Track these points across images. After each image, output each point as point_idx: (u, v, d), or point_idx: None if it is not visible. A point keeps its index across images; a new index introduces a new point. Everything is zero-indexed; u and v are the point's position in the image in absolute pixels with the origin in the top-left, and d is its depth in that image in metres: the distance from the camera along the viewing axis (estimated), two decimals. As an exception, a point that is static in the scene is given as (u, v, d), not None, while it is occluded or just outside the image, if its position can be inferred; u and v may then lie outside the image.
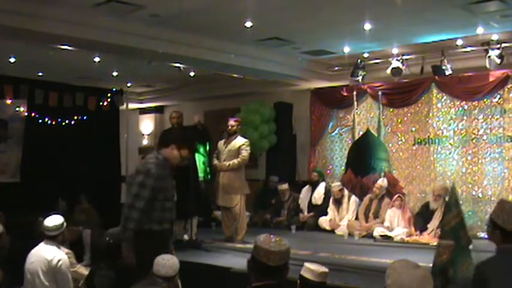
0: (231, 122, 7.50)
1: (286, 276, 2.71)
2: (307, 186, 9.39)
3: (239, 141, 7.41)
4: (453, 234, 4.11)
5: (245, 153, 7.30)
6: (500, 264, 2.94)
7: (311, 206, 9.13)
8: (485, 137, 8.24)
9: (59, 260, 4.31)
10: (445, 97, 8.65)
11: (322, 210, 8.95)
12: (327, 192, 9.07)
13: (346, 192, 8.85)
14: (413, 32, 7.51)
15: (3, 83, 8.68)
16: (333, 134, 10.00)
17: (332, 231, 8.57)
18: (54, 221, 4.46)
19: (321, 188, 9.14)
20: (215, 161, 7.52)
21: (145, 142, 13.84)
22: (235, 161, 7.27)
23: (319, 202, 9.05)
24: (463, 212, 4.34)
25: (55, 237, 4.43)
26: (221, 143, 7.56)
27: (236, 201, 7.31)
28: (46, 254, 4.32)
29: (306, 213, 9.12)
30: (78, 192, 8.33)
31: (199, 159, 9.65)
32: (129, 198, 4.08)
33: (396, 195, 8.22)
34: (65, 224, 4.54)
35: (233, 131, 7.46)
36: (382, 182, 8.44)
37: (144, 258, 3.69)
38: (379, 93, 9.21)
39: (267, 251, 2.61)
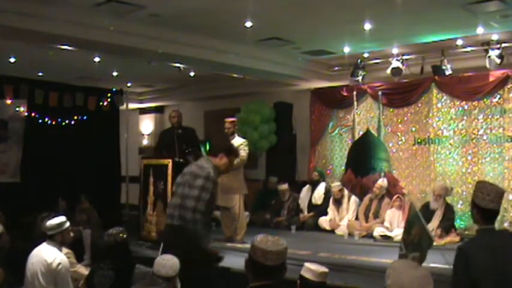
0: (227, 124, 7.50)
1: (284, 276, 2.70)
2: (307, 186, 9.40)
3: (237, 141, 7.40)
4: (419, 246, 4.33)
5: (243, 153, 7.30)
6: (480, 245, 2.99)
7: (311, 206, 9.13)
8: (485, 137, 8.24)
9: (59, 263, 4.28)
10: (445, 97, 8.65)
11: (322, 210, 8.95)
12: (327, 192, 9.07)
13: (346, 192, 8.86)
14: (413, 32, 7.52)
15: (3, 83, 8.67)
16: (333, 134, 10.00)
17: (332, 231, 8.57)
18: (52, 220, 4.46)
19: (321, 188, 9.14)
20: None
21: (145, 142, 13.85)
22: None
23: (319, 202, 9.05)
24: (424, 224, 4.57)
25: (53, 237, 4.41)
26: None
27: (235, 201, 7.31)
28: (46, 256, 4.30)
29: (306, 213, 9.12)
30: (78, 192, 8.32)
31: (199, 159, 9.63)
32: (192, 202, 4.27)
33: (396, 196, 8.22)
34: (66, 224, 4.50)
35: (230, 132, 7.47)
36: (382, 182, 8.45)
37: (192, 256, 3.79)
38: (379, 93, 9.21)
39: (264, 251, 2.61)
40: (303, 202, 9.26)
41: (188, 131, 7.68)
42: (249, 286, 2.64)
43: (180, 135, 7.47)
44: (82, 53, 7.85)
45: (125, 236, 4.15)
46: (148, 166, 7.43)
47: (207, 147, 10.34)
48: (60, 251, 4.43)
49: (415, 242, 4.54)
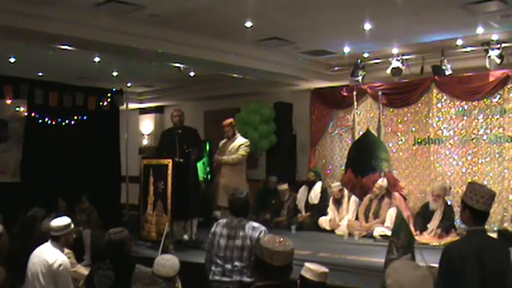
0: (226, 128, 7.46)
1: (290, 276, 2.71)
2: (303, 186, 9.39)
3: (240, 141, 7.40)
4: (409, 247, 4.39)
5: (242, 151, 7.30)
6: (467, 245, 3.00)
7: (308, 206, 9.13)
8: (485, 137, 8.23)
9: (60, 265, 4.29)
10: (445, 97, 8.65)
11: (319, 209, 8.95)
12: (323, 191, 9.09)
13: (346, 192, 8.86)
14: (413, 32, 7.52)
15: (3, 83, 8.67)
16: (333, 134, 9.99)
17: (332, 231, 8.57)
18: (58, 221, 4.45)
19: (317, 187, 9.14)
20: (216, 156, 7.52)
21: (145, 142, 13.85)
22: (232, 157, 7.27)
23: (316, 201, 9.05)
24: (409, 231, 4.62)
25: (57, 238, 4.41)
26: (223, 142, 7.55)
27: (236, 201, 7.28)
28: (48, 257, 4.30)
29: (303, 213, 9.12)
30: (78, 192, 8.32)
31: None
32: None
33: (396, 193, 8.26)
34: (71, 226, 4.50)
35: (231, 134, 7.45)
36: (382, 182, 8.44)
37: None
38: (379, 93, 9.21)
39: (271, 251, 2.61)
40: (300, 202, 9.26)
41: (190, 131, 7.64)
42: (255, 285, 2.65)
43: (181, 135, 7.44)
44: (82, 53, 7.85)
45: (126, 236, 4.15)
46: (148, 166, 7.43)
47: (207, 148, 10.35)
48: (62, 252, 4.44)
49: (404, 245, 4.59)
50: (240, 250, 4.19)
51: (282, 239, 2.70)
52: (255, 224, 4.29)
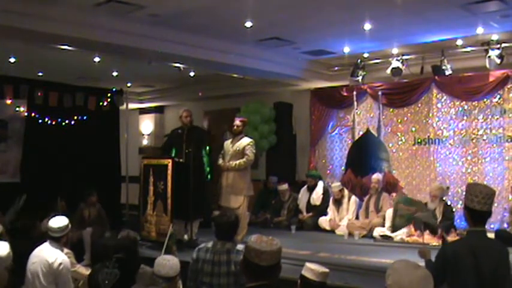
0: (237, 122, 7.38)
1: (279, 275, 2.70)
2: (304, 188, 9.38)
3: (244, 141, 7.33)
4: None
5: (250, 153, 7.20)
6: (464, 246, 3.03)
7: (310, 207, 9.12)
8: (485, 137, 8.24)
9: (60, 264, 4.30)
10: (445, 97, 8.66)
11: (321, 210, 8.95)
12: (326, 192, 9.08)
13: (346, 192, 8.86)
14: (413, 32, 7.52)
15: (3, 83, 8.65)
16: (333, 134, 10.00)
17: (332, 231, 8.57)
18: (59, 222, 4.45)
19: (319, 189, 9.12)
20: (220, 161, 7.44)
21: (145, 142, 13.85)
22: (241, 161, 7.18)
23: (318, 202, 9.03)
24: None
25: (59, 239, 4.42)
26: (227, 143, 7.46)
27: (239, 202, 7.23)
28: (48, 256, 4.31)
29: (305, 213, 9.12)
30: (80, 190, 8.28)
31: (200, 159, 9.59)
32: None
33: (394, 194, 8.29)
34: (69, 225, 4.53)
35: (238, 131, 7.37)
36: (377, 176, 8.46)
37: None
38: (379, 93, 9.21)
39: (258, 251, 2.60)
40: (301, 203, 9.25)
41: (198, 130, 7.59)
42: (245, 287, 2.65)
43: (187, 135, 7.39)
44: (82, 53, 7.85)
45: (137, 237, 4.17)
46: (148, 166, 7.42)
47: (207, 148, 10.33)
48: (62, 251, 4.44)
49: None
50: (226, 277, 3.98)
51: (268, 239, 2.69)
52: (239, 247, 4.05)
